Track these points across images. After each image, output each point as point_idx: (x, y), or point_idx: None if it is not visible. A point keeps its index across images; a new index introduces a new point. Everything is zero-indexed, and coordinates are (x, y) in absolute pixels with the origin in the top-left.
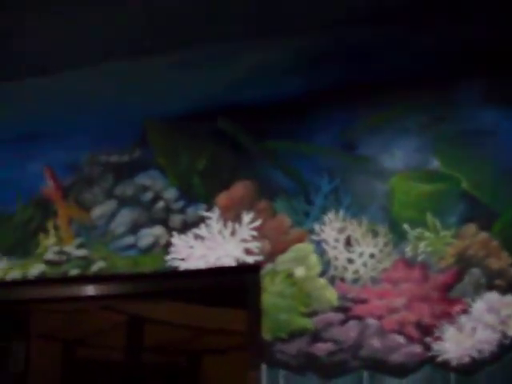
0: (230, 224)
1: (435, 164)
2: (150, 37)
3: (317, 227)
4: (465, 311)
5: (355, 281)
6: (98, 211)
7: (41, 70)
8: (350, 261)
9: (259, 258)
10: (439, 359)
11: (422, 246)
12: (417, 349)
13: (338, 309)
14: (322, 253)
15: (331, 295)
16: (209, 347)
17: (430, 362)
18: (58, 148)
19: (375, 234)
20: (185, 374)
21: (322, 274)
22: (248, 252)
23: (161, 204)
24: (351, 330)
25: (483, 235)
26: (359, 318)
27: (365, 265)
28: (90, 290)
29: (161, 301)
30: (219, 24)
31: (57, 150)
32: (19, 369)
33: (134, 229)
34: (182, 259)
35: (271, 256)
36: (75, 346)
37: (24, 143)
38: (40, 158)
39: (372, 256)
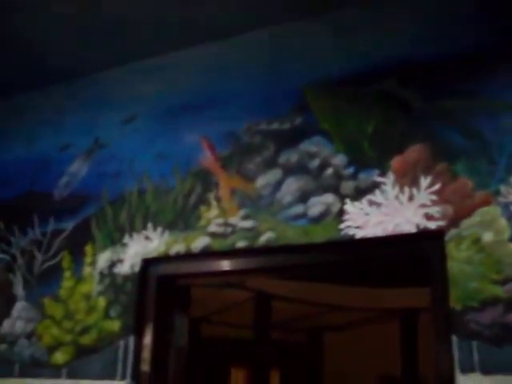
0: (406, 189)
1: None
2: None
3: (503, 189)
4: None
5: None
6: (261, 181)
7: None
8: None
9: (441, 223)
10: None
11: None
12: None
13: None
14: (510, 216)
15: None
16: (330, 324)
17: None
18: (215, 118)
19: None
20: (306, 350)
21: None
22: (429, 217)
23: (330, 171)
24: None
25: None
26: None
27: None
28: (259, 261)
29: (334, 271)
30: None
31: (214, 120)
32: (181, 344)
33: (303, 197)
34: (358, 227)
35: (454, 221)
36: (201, 323)
37: (181, 114)
38: (197, 129)
39: None
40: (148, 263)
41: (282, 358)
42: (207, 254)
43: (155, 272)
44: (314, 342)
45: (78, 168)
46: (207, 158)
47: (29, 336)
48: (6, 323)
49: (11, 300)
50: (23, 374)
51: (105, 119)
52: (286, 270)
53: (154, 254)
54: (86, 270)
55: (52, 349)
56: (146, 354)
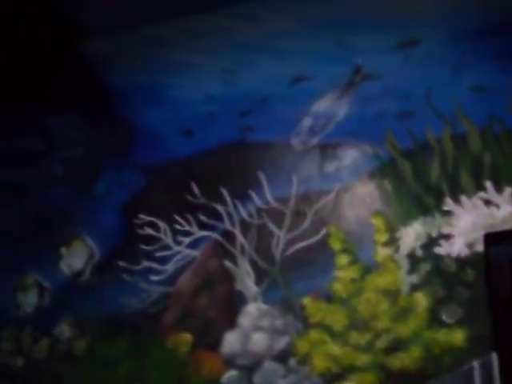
0: None
1: None
2: None
3: None
4: None
5: None
6: None
7: None
8: None
9: None
10: None
11: None
12: None
13: None
14: None
15: None
16: None
17: None
18: None
19: None
20: None
21: None
22: None
23: None
24: None
25: None
26: None
27: None
28: None
29: None
30: None
31: None
32: None
33: None
34: None
35: None
36: None
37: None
38: None
39: None
40: (494, 240)
41: None
42: None
43: (508, 253)
44: None
45: (332, 106)
46: None
47: (281, 357)
48: (232, 338)
49: (233, 301)
50: None
51: (367, 43)
52: None
53: (504, 226)
54: (381, 252)
55: (332, 378)
56: None
